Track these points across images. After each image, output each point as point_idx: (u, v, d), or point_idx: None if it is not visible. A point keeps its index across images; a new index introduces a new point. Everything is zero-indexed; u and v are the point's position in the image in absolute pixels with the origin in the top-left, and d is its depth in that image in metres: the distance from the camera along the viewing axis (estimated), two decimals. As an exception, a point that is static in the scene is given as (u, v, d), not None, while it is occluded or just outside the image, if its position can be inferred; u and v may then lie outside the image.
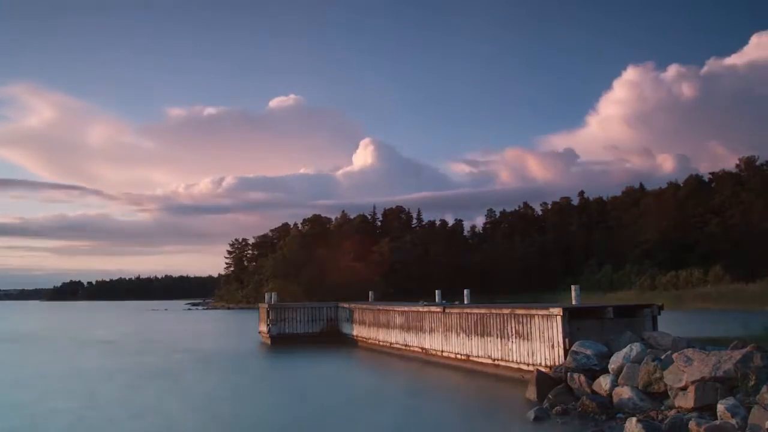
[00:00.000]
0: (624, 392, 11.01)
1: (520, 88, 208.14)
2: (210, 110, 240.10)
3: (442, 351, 18.95)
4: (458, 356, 17.93)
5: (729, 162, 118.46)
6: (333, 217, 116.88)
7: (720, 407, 8.96)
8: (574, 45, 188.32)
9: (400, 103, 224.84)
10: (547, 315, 14.09)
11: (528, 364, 14.62)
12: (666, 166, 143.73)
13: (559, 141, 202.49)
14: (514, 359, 15.25)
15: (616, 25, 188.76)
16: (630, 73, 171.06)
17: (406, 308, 22.09)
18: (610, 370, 11.90)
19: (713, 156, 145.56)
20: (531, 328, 14.69)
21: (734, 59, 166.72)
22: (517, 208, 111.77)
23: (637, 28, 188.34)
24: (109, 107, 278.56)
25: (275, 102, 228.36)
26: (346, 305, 28.62)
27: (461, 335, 17.83)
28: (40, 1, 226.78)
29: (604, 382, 11.64)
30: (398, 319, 22.36)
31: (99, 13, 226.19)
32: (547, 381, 12.32)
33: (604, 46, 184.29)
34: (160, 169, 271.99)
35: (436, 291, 27.07)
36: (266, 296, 30.08)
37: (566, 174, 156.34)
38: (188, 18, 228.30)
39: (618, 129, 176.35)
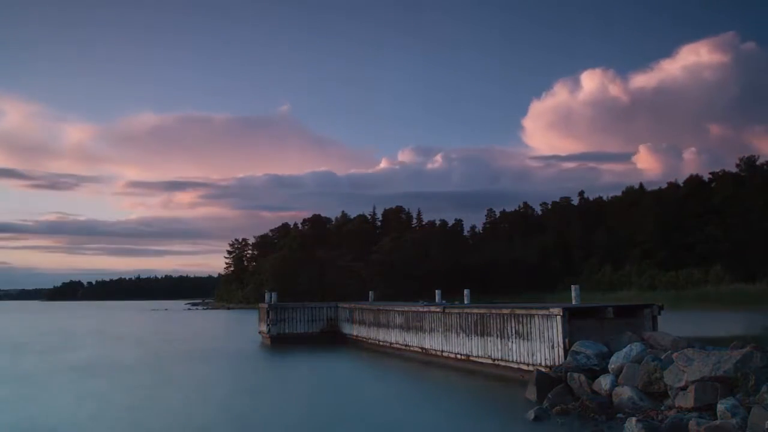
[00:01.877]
0: (624, 392, 11.01)
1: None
2: (208, 113, 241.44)
3: (442, 351, 18.94)
4: (458, 356, 17.92)
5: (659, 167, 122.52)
6: (333, 217, 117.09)
7: (720, 407, 8.97)
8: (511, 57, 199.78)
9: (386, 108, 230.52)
10: (547, 315, 14.09)
11: (528, 364, 14.62)
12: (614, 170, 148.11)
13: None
14: (514, 359, 15.24)
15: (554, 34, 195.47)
16: (559, 85, 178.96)
17: (406, 308, 22.08)
18: (610, 370, 11.91)
19: (647, 161, 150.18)
20: (531, 328, 14.68)
21: (662, 67, 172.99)
22: (517, 208, 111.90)
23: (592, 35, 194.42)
24: (91, 110, 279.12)
25: (273, 104, 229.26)
26: (346, 305, 28.59)
27: (461, 335, 17.83)
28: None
29: (604, 382, 11.65)
30: (398, 319, 22.35)
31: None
32: (547, 381, 12.31)
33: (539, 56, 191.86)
34: (160, 170, 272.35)
35: (436, 291, 27.08)
36: (266, 296, 30.04)
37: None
38: (186, 16, 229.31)
39: (551, 136, 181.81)
